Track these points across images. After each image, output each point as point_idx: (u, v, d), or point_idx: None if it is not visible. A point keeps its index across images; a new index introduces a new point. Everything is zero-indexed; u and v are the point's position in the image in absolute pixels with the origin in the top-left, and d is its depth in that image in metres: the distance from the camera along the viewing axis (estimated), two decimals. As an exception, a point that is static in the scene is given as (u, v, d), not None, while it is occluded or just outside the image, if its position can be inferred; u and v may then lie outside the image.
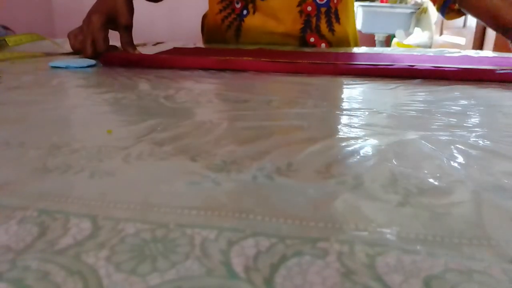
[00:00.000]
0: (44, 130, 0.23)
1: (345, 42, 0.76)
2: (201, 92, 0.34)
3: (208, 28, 0.81)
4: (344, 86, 0.37)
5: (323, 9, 0.72)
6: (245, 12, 0.73)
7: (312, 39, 0.73)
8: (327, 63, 0.45)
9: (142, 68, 0.46)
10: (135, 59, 0.48)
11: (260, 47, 0.66)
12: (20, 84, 0.35)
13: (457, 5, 0.65)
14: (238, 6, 0.74)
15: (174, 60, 0.47)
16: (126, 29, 0.55)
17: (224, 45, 0.72)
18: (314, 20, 0.72)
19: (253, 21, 0.73)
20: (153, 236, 0.12)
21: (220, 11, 0.76)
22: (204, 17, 0.85)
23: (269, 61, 0.45)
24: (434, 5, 0.69)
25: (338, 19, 0.73)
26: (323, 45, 0.74)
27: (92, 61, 0.48)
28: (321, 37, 0.74)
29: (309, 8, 0.71)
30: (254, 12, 0.72)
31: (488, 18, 0.59)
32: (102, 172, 0.17)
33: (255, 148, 0.20)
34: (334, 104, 0.30)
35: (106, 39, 0.52)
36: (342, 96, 0.33)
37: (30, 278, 0.10)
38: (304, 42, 0.74)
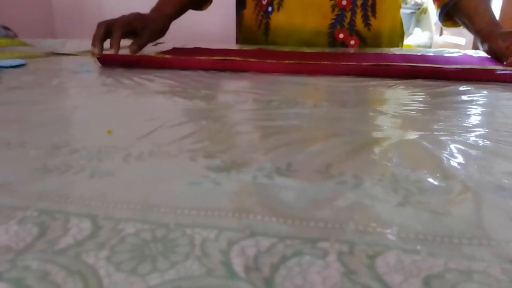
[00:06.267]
0: (44, 130, 0.23)
1: (379, 38, 0.72)
2: (201, 92, 0.34)
3: (244, 27, 0.79)
4: (344, 86, 0.37)
5: (359, 2, 0.68)
6: (270, 9, 0.71)
7: (341, 35, 0.70)
8: (327, 63, 0.45)
9: (142, 69, 0.46)
10: (134, 60, 0.48)
11: (259, 48, 0.66)
12: (20, 84, 0.35)
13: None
14: (264, 2, 0.71)
15: (173, 61, 0.47)
16: (149, 35, 0.58)
17: (254, 46, 0.70)
18: (348, 14, 0.68)
19: (278, 19, 0.71)
20: (153, 236, 0.12)
21: (254, 9, 0.74)
22: (241, 16, 0.82)
23: (269, 62, 0.45)
24: (434, 4, 0.67)
25: (374, 13, 0.69)
26: (352, 41, 0.71)
27: (23, 61, 0.47)
28: (353, 33, 0.70)
29: (344, 2, 0.67)
30: (278, 9, 0.70)
31: (468, 21, 0.60)
32: (102, 172, 0.17)
33: (255, 148, 0.20)
34: (334, 104, 0.30)
35: (119, 38, 0.53)
36: (342, 96, 0.33)
37: (30, 278, 0.10)
38: (333, 39, 0.70)
